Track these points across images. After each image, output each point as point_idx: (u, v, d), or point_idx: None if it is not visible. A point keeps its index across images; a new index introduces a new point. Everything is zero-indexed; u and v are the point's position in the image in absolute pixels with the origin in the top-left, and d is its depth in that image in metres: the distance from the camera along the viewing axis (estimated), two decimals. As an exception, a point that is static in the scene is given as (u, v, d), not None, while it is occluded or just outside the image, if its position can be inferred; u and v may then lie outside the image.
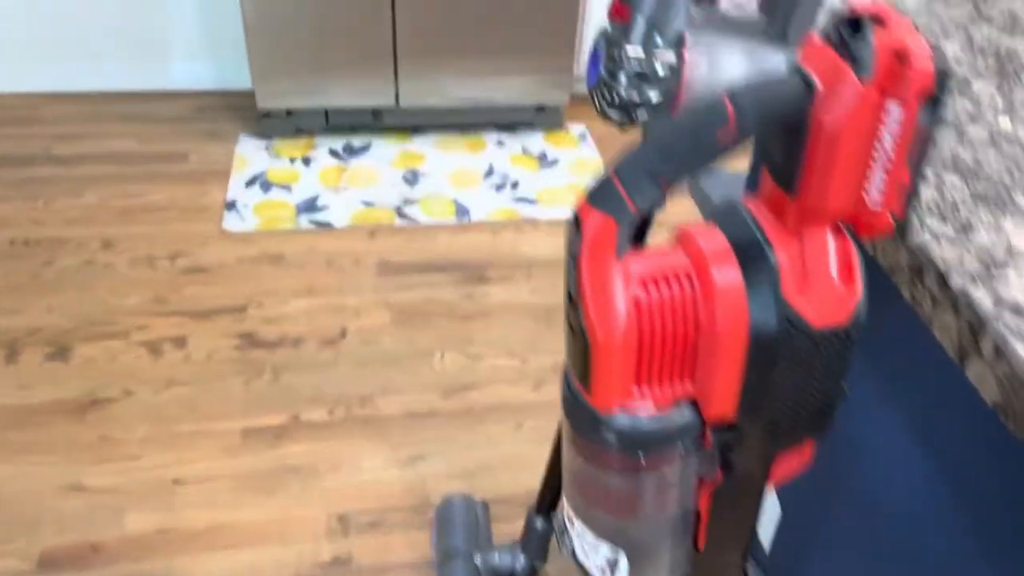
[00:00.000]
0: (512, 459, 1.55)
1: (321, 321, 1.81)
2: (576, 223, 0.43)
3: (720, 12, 0.82)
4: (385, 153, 2.37)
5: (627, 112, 0.82)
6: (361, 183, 2.25)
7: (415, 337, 1.79)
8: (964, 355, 0.61)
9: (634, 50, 0.79)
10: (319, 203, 2.16)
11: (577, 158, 2.41)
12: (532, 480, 1.52)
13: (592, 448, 0.50)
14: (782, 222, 0.45)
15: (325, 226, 2.09)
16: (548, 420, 1.63)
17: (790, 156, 0.42)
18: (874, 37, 0.38)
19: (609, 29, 0.81)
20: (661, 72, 0.79)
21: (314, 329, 1.79)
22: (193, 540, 1.39)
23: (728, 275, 0.45)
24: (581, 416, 0.49)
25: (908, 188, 0.42)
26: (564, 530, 0.58)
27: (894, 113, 0.39)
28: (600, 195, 0.42)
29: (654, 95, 0.80)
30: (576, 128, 2.54)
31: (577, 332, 0.46)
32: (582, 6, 2.39)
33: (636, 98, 0.80)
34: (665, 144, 0.41)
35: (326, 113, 2.38)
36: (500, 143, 2.45)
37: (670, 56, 0.79)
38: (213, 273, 1.92)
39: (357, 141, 2.41)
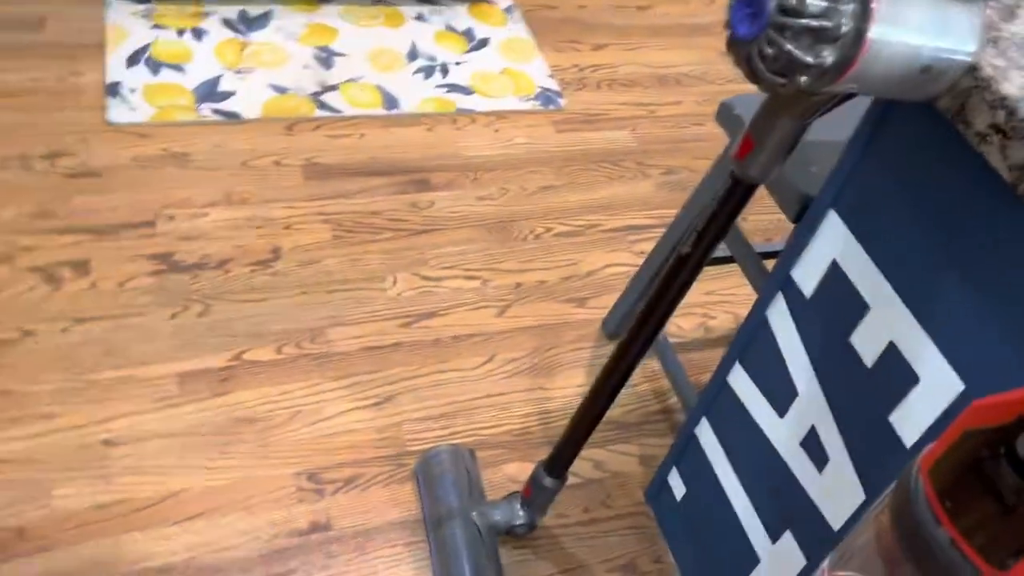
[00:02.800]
0: (488, 397, 1.44)
1: (248, 238, 1.57)
2: None
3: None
4: (289, 25, 2.05)
5: (789, 76, 0.67)
6: (267, 63, 1.94)
7: (361, 257, 1.59)
8: None
9: (816, -4, 0.63)
10: (221, 88, 1.85)
11: (507, 38, 2.18)
12: (512, 421, 1.41)
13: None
14: None
15: (232, 117, 1.79)
16: (517, 351, 1.51)
17: None
18: None
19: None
20: (844, 27, 0.64)
21: (242, 248, 1.55)
22: (140, 514, 1.20)
23: None
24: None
25: None
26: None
27: None
28: None
29: (830, 56, 0.65)
30: (502, 2, 2.29)
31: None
32: None
33: (809, 59, 0.65)
34: None
35: (217, -26, 2.01)
36: (420, 17, 2.18)
37: (855, 7, 0.64)
38: (107, 178, 1.61)
39: (253, 9, 2.06)
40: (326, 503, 1.26)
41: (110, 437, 1.26)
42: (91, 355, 1.35)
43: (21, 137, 1.64)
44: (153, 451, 1.26)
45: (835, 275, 0.91)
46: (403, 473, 1.31)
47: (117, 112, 1.73)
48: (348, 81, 1.95)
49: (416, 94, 1.96)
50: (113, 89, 1.78)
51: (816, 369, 0.97)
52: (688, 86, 2.20)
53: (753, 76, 0.68)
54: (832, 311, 0.93)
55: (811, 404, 0.98)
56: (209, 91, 1.83)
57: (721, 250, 1.46)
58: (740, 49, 0.69)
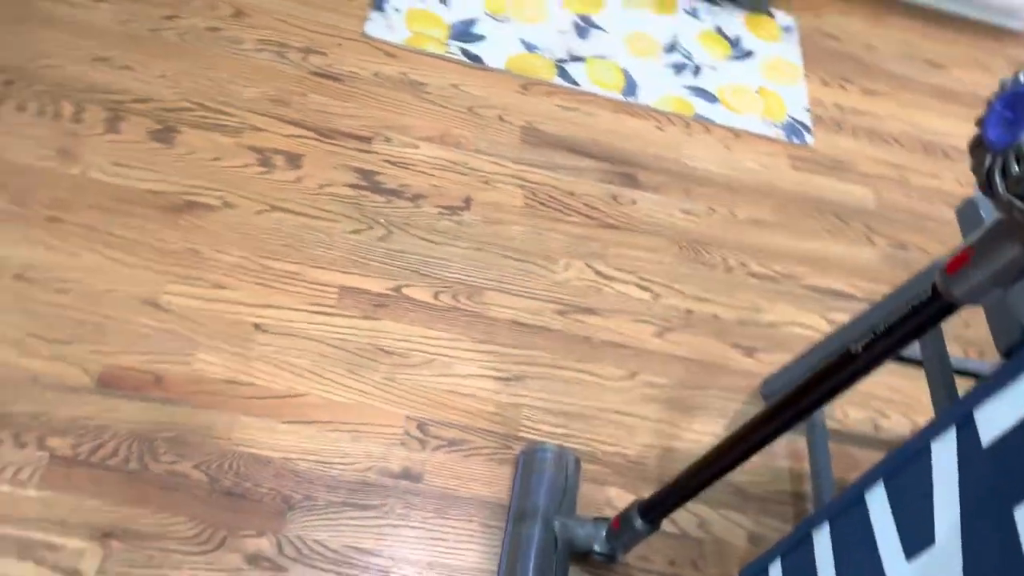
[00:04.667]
0: (616, 413, 1.38)
1: (447, 180, 1.60)
2: None
3: None
4: (562, -13, 2.04)
5: (1031, 201, 0.56)
6: (526, 17, 1.94)
7: (544, 232, 1.57)
8: None
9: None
10: (475, 30, 1.87)
11: (776, 57, 2.05)
12: (630, 445, 1.35)
13: None
14: None
15: (476, 60, 1.82)
16: (663, 377, 1.44)
17: None
18: None
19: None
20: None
21: (438, 188, 1.58)
22: (261, 402, 1.26)
23: None
24: None
25: None
26: None
27: None
28: None
29: (1087, 198, 0.53)
30: (782, 18, 2.16)
31: None
32: None
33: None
34: None
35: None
36: (693, 12, 2.10)
37: None
38: (346, 84, 1.69)
39: (534, -38, 2.07)
40: (425, 455, 1.27)
41: (261, 323, 1.34)
42: (274, 242, 1.43)
43: (286, 26, 1.75)
44: (293, 349, 1.32)
45: None
46: (506, 454, 1.30)
47: (375, 26, 1.81)
48: (597, 56, 1.91)
49: (659, 88, 1.89)
50: (379, 3, 1.85)
51: (963, 527, 0.84)
52: (955, 160, 1.98)
53: (989, 190, 0.58)
54: (1005, 472, 0.79)
55: (945, 562, 0.86)
56: (463, 30, 1.86)
57: (915, 351, 1.30)
58: (983, 154, 0.58)
